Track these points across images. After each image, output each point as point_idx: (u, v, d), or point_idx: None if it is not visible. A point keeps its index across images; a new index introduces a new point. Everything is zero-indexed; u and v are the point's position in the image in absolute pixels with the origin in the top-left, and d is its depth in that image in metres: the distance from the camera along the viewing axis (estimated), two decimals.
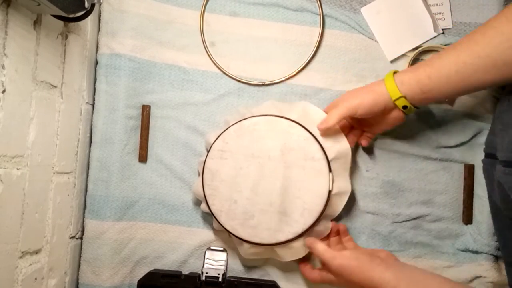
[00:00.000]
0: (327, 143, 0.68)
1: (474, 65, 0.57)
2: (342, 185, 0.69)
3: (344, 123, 0.71)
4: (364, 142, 0.72)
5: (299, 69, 0.76)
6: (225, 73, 0.76)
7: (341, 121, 0.66)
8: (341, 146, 0.69)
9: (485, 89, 0.72)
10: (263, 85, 0.76)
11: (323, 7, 0.76)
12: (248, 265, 0.75)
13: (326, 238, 0.71)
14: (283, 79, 0.76)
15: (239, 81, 0.76)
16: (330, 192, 0.66)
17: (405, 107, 0.64)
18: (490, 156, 0.65)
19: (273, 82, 0.76)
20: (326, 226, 0.71)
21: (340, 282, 0.63)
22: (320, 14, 0.76)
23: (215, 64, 0.76)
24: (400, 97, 0.63)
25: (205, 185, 0.68)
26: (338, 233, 0.72)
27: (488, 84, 0.59)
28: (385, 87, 0.64)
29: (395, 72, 0.65)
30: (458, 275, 0.73)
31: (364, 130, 0.72)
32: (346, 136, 0.70)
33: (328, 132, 0.68)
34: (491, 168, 0.62)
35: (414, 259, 0.74)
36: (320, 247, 0.64)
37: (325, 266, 0.64)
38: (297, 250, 0.69)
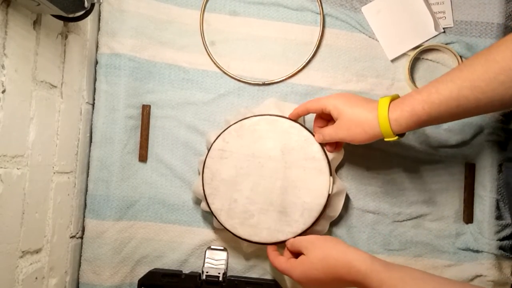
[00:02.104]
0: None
1: (477, 101, 0.55)
2: (338, 184, 0.69)
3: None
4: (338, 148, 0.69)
5: (300, 68, 0.76)
6: (225, 73, 0.76)
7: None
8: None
9: None
10: (263, 84, 0.76)
11: (323, 6, 0.76)
12: (249, 264, 0.75)
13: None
14: (283, 78, 0.76)
15: (239, 80, 0.76)
16: (329, 194, 0.66)
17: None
18: None
19: (273, 81, 0.76)
20: (325, 226, 0.71)
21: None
22: (320, 13, 0.76)
23: (215, 63, 0.76)
24: (394, 139, 0.60)
25: (205, 185, 0.68)
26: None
27: (491, 111, 0.59)
28: (380, 129, 0.59)
29: (391, 100, 0.60)
30: (459, 274, 0.73)
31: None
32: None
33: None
34: None
35: (415, 258, 0.74)
36: (280, 263, 0.63)
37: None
38: None
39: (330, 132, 0.65)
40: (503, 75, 0.52)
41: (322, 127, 0.68)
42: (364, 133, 0.61)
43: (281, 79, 0.76)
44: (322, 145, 0.68)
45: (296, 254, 0.64)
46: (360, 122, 0.61)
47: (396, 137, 0.60)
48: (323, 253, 0.58)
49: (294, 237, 0.66)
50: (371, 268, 0.54)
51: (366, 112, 0.61)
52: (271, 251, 0.67)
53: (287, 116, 0.69)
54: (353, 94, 0.65)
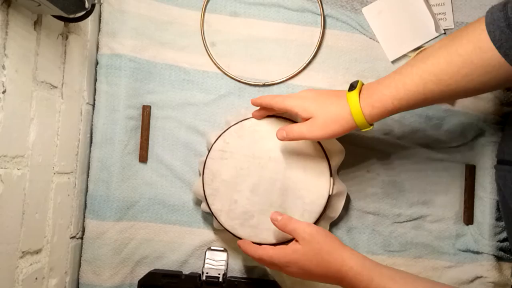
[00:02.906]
0: (326, 145, 0.68)
1: (443, 93, 0.57)
2: (339, 185, 0.69)
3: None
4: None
5: (300, 69, 0.76)
6: (225, 74, 0.76)
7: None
8: (337, 147, 0.70)
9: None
10: (264, 85, 0.76)
11: (324, 7, 0.76)
12: (249, 265, 0.75)
13: None
14: (284, 79, 0.76)
15: (239, 81, 0.76)
16: (330, 195, 0.66)
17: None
18: (506, 162, 0.65)
19: (273, 82, 0.76)
20: (325, 227, 0.71)
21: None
22: (321, 15, 0.76)
23: (215, 64, 0.76)
24: (370, 128, 0.61)
25: (205, 185, 0.68)
26: None
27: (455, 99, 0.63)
28: (354, 122, 0.60)
29: (361, 88, 0.61)
30: (459, 275, 0.73)
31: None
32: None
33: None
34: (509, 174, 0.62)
35: (415, 259, 0.74)
36: (265, 252, 0.62)
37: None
38: None
39: (302, 131, 0.62)
40: (466, 69, 0.54)
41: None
42: (341, 127, 0.61)
43: (281, 80, 0.76)
44: (322, 145, 0.68)
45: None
46: (336, 119, 0.61)
47: (371, 127, 0.61)
48: (319, 247, 0.59)
49: None
50: (362, 265, 0.57)
51: (339, 108, 0.61)
52: (247, 244, 0.66)
53: (251, 101, 0.67)
54: (317, 91, 0.65)
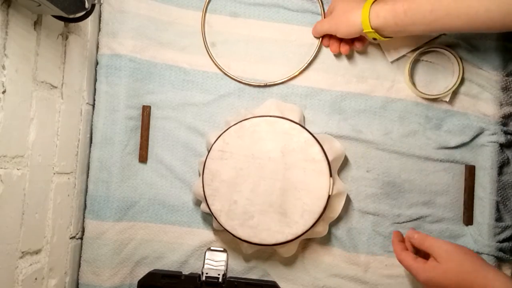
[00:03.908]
0: (324, 145, 0.68)
1: (448, 9, 0.58)
2: (339, 186, 0.69)
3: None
4: (344, 50, 0.73)
5: (301, 69, 0.76)
6: (226, 74, 0.76)
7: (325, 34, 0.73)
8: (336, 147, 0.70)
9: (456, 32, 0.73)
10: (266, 86, 0.76)
11: (324, 7, 0.76)
12: (249, 265, 0.75)
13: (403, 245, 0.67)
14: (285, 79, 0.76)
15: (240, 82, 0.76)
16: (329, 196, 0.66)
17: (374, 38, 0.67)
18: None
19: (275, 83, 0.76)
20: (325, 227, 0.71)
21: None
22: (322, 15, 0.76)
23: (216, 65, 0.76)
24: (370, 32, 0.65)
25: (205, 186, 0.68)
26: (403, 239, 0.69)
27: (459, 29, 0.61)
28: (360, 18, 0.65)
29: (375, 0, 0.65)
30: None
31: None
32: (329, 44, 0.74)
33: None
34: None
35: None
36: (407, 260, 0.63)
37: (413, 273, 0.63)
38: (295, 248, 0.70)
39: (321, 22, 0.73)
40: None
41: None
42: (346, 20, 0.67)
43: (283, 80, 0.76)
44: (322, 146, 0.68)
45: (421, 251, 0.64)
46: (347, 10, 0.68)
47: (372, 31, 0.64)
48: (459, 266, 0.58)
49: (294, 238, 0.66)
50: (507, 287, 0.54)
51: (357, 2, 0.67)
52: (397, 242, 0.66)
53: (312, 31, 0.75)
54: None
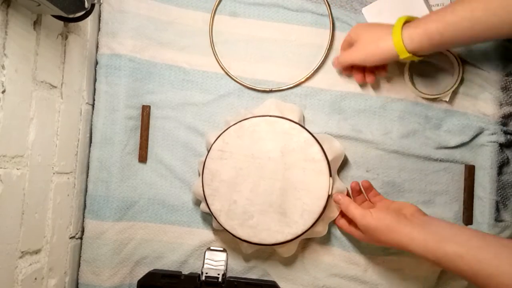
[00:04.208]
0: (324, 145, 0.68)
1: (490, 23, 0.56)
2: (339, 185, 0.69)
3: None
4: (370, 79, 0.72)
5: (307, 76, 0.75)
6: (230, 77, 0.76)
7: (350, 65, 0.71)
8: (336, 147, 0.70)
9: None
10: (271, 91, 0.76)
11: (322, 8, 0.76)
12: (248, 265, 0.75)
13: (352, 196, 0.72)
14: (292, 85, 0.75)
15: (247, 87, 0.76)
16: (329, 195, 0.66)
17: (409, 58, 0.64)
18: None
19: (280, 88, 0.76)
20: (325, 227, 0.71)
21: (367, 238, 0.65)
22: (329, 17, 0.76)
23: (220, 66, 0.76)
24: (407, 56, 0.63)
25: (205, 185, 0.68)
26: (359, 191, 0.73)
27: (503, 36, 0.59)
28: (393, 44, 0.62)
29: (405, 22, 0.63)
30: (459, 276, 0.73)
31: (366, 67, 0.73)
32: (352, 74, 0.73)
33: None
34: None
35: (415, 259, 0.74)
36: (349, 203, 0.65)
37: (352, 222, 0.66)
38: (295, 248, 0.70)
39: (346, 54, 0.69)
40: None
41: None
42: (377, 48, 0.64)
43: (288, 86, 0.75)
44: (322, 146, 0.68)
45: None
46: (375, 39, 0.65)
47: (410, 55, 0.62)
48: (378, 236, 0.62)
49: (293, 238, 0.66)
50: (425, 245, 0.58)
51: (383, 30, 0.65)
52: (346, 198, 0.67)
53: (334, 64, 0.73)
54: (373, 23, 0.69)
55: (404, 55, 0.62)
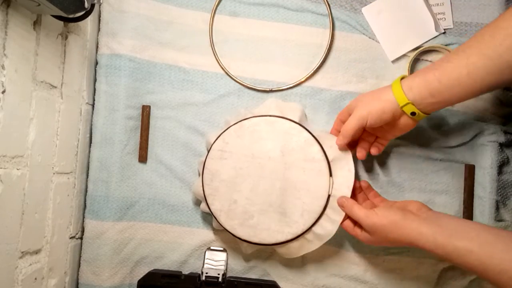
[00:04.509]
0: (325, 143, 0.68)
1: (487, 67, 0.56)
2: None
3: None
4: (374, 151, 0.70)
5: (307, 76, 0.75)
6: (230, 76, 0.76)
7: (355, 132, 0.65)
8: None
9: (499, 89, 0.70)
10: (271, 91, 0.76)
11: (322, 7, 0.76)
12: (248, 265, 0.75)
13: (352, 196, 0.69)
14: (292, 85, 0.75)
15: (247, 87, 0.76)
16: (329, 195, 0.66)
17: (413, 113, 0.62)
18: None
19: (280, 88, 0.76)
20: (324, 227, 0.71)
21: (373, 239, 0.63)
22: (329, 16, 0.76)
23: (220, 66, 0.76)
24: (407, 104, 0.61)
25: (205, 185, 0.68)
26: (361, 189, 0.72)
27: (503, 84, 0.59)
28: (392, 94, 0.62)
29: (402, 78, 0.63)
30: (460, 276, 0.73)
31: (376, 136, 0.70)
32: (358, 145, 0.70)
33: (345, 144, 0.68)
34: None
35: (415, 260, 0.74)
36: (352, 204, 0.64)
37: (357, 224, 0.65)
38: (295, 250, 0.69)
39: (348, 121, 0.65)
40: (508, 41, 0.54)
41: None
42: (379, 101, 0.63)
43: (288, 86, 0.75)
44: (322, 146, 0.68)
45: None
46: (376, 94, 0.64)
47: (410, 102, 0.61)
48: (385, 235, 0.62)
49: (294, 238, 0.66)
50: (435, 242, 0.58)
51: (382, 88, 0.65)
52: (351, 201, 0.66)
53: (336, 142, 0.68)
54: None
55: (403, 102, 0.61)
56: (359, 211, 0.63)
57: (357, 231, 0.65)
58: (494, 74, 0.57)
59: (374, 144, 0.70)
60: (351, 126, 0.65)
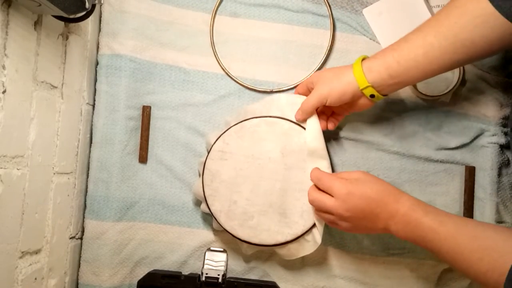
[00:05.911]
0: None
1: (442, 47, 0.57)
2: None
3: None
4: (330, 126, 0.71)
5: (310, 75, 0.75)
6: (231, 77, 0.76)
7: (315, 109, 0.67)
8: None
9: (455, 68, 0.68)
10: (271, 92, 0.76)
11: (323, 8, 0.76)
12: (248, 266, 0.75)
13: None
14: (292, 86, 0.75)
15: (247, 87, 0.76)
16: None
17: (372, 95, 0.64)
18: None
19: (280, 89, 0.76)
20: (323, 227, 0.71)
21: (346, 207, 0.60)
22: (330, 17, 0.76)
23: (221, 66, 0.76)
24: (367, 87, 0.62)
25: (205, 186, 0.68)
26: None
27: (458, 64, 0.60)
28: (353, 76, 0.63)
29: (363, 59, 0.64)
30: (460, 277, 0.73)
31: (333, 111, 0.71)
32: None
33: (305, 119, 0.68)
34: None
35: (415, 261, 0.74)
36: (322, 174, 0.64)
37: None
38: (295, 251, 0.69)
39: (309, 97, 0.66)
40: (463, 20, 0.55)
41: None
42: (339, 81, 0.64)
43: (289, 87, 0.75)
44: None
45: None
46: (337, 73, 0.65)
47: (369, 85, 0.62)
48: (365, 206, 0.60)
49: (294, 239, 0.66)
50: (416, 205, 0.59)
51: (343, 67, 0.65)
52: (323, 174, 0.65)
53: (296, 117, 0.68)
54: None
55: (363, 85, 0.62)
56: (332, 179, 0.61)
57: (325, 197, 0.61)
58: (448, 53, 0.58)
59: (330, 119, 0.71)
60: (311, 103, 0.66)
